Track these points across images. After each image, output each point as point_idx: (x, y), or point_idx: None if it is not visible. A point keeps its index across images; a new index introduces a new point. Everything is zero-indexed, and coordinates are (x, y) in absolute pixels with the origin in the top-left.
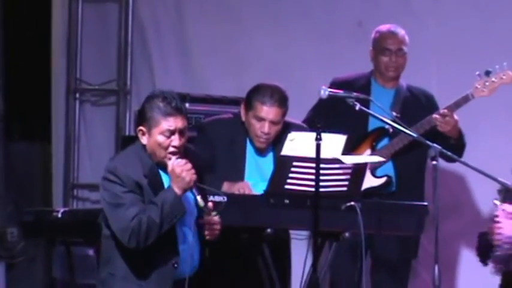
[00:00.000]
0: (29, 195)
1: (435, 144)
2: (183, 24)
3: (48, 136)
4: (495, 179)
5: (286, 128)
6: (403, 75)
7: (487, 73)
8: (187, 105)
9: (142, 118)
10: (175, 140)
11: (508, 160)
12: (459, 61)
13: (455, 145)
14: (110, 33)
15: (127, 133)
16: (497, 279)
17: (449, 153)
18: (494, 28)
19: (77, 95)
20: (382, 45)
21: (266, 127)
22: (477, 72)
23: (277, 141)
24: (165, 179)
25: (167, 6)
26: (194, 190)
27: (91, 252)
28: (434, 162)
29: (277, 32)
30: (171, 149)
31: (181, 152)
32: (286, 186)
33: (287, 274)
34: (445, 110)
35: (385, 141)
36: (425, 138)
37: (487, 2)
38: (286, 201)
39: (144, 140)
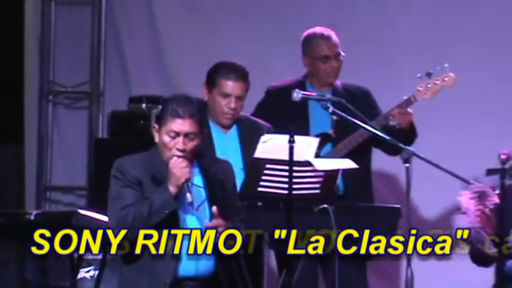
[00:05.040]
0: (1, 197)
1: (408, 147)
2: (156, 26)
3: (21, 138)
4: (468, 182)
5: (254, 126)
6: (378, 77)
7: (428, 74)
8: (160, 107)
9: (158, 116)
10: (179, 143)
11: (480, 161)
12: (431, 63)
13: (405, 135)
14: (83, 36)
15: (100, 135)
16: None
17: (421, 155)
18: (465, 30)
19: (50, 98)
20: (319, 52)
21: (233, 102)
22: (418, 75)
23: (238, 118)
24: None
25: (140, 8)
26: (186, 186)
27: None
28: (407, 165)
29: (251, 33)
30: (174, 151)
31: (188, 157)
32: (259, 189)
33: (261, 276)
34: (400, 108)
35: (328, 147)
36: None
37: (459, 4)
38: (259, 203)
39: (156, 137)
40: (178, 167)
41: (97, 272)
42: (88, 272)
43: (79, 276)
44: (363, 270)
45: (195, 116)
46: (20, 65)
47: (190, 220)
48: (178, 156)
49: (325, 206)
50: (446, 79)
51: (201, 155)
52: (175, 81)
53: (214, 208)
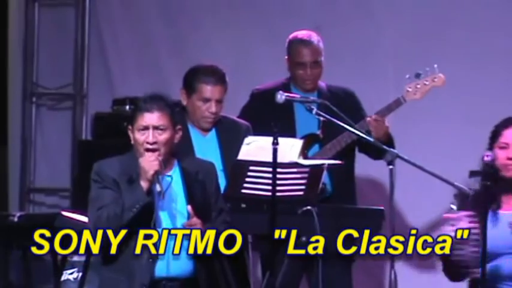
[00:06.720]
0: None
1: (392, 149)
2: (140, 27)
3: (4, 140)
4: (452, 184)
5: (232, 125)
6: (363, 79)
7: (417, 75)
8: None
9: (130, 117)
10: (148, 136)
11: (464, 163)
12: (417, 66)
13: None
14: (67, 37)
15: (83, 137)
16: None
17: (405, 157)
18: (451, 32)
19: (34, 99)
20: (296, 58)
21: (213, 107)
22: (407, 75)
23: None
24: None
25: (124, 9)
26: (156, 178)
27: (47, 256)
28: (391, 167)
29: (235, 35)
30: (145, 145)
31: (162, 151)
32: (243, 191)
33: (246, 278)
34: (377, 115)
35: (315, 148)
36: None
37: (446, 7)
38: (243, 205)
39: (132, 139)
40: (146, 160)
41: (80, 274)
42: (71, 274)
43: (62, 278)
44: (347, 271)
45: (164, 109)
46: (4, 67)
47: (162, 216)
48: (149, 149)
49: (308, 208)
50: (436, 80)
51: (183, 156)
52: (159, 83)
53: (189, 207)
